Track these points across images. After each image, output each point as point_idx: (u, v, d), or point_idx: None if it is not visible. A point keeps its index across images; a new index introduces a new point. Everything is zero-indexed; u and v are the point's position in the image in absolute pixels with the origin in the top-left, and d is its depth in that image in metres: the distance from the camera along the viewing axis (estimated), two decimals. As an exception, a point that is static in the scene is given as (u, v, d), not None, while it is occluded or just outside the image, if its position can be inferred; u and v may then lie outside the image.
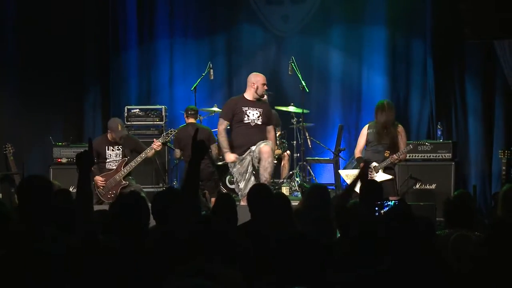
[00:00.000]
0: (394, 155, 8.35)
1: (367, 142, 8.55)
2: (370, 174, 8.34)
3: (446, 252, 4.28)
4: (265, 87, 8.68)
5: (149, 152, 8.68)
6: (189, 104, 9.97)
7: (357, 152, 8.66)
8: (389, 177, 8.39)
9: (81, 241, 3.65)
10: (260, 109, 8.62)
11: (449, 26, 10.63)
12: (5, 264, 2.82)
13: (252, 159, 8.50)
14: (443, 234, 4.73)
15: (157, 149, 8.76)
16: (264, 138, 8.57)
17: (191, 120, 9.35)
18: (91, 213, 3.95)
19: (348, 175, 8.62)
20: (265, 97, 9.52)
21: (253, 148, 8.48)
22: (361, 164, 8.39)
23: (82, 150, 3.93)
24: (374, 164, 8.38)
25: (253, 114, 8.59)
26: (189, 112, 9.38)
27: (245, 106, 8.59)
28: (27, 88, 11.01)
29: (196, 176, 4.03)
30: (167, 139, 9.03)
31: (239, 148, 8.59)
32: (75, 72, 11.34)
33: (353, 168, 8.80)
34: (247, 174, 8.48)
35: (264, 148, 8.40)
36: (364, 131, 8.62)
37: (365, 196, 5.66)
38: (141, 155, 8.66)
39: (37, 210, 3.82)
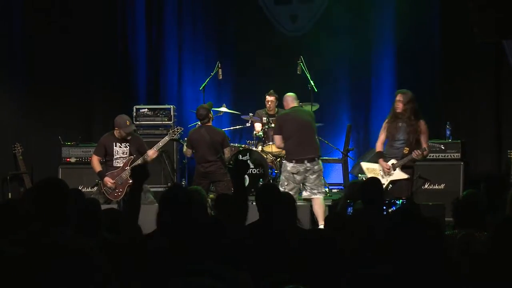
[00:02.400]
0: (414, 153, 8.03)
1: (386, 137, 8.31)
2: (388, 171, 8.15)
3: (453, 251, 4.28)
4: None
5: (147, 157, 8.67)
6: (198, 103, 9.98)
7: (378, 146, 8.37)
8: (405, 176, 8.15)
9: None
10: None
11: (457, 25, 10.60)
12: (24, 263, 2.83)
13: (304, 183, 8.53)
14: (452, 234, 4.73)
15: (153, 157, 8.71)
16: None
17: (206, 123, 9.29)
18: (137, 221, 4.20)
19: (369, 168, 8.43)
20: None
21: (311, 176, 8.49)
22: (380, 160, 8.30)
23: (138, 164, 4.12)
24: (393, 161, 8.16)
25: None
26: None
27: None
28: (36, 88, 11.04)
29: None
30: (173, 136, 9.02)
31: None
32: (83, 71, 11.36)
33: (369, 161, 8.64)
34: (295, 188, 8.46)
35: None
36: (384, 124, 8.37)
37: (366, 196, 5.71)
38: (143, 156, 8.66)
39: (54, 211, 3.82)
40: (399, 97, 8.21)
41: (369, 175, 8.27)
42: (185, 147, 9.30)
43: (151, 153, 8.64)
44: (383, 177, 8.08)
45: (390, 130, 8.22)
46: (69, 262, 2.69)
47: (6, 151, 10.39)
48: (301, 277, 3.25)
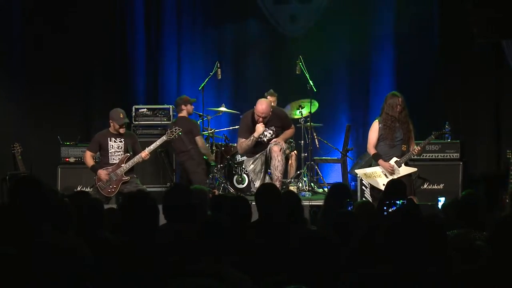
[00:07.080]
0: (416, 147, 8.11)
1: (380, 137, 8.20)
2: (391, 169, 8.06)
3: (452, 251, 4.28)
4: (260, 119, 8.65)
5: (140, 159, 8.70)
6: (197, 103, 10.01)
7: (371, 148, 8.23)
8: (414, 169, 8.18)
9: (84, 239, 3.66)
10: (272, 128, 8.78)
11: (456, 25, 10.61)
12: (17, 262, 2.83)
13: (265, 158, 8.76)
14: (451, 234, 4.73)
15: (145, 159, 8.75)
16: None
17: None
18: None
19: (367, 173, 8.30)
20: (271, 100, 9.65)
21: (267, 148, 8.77)
22: (379, 161, 8.11)
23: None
24: (395, 159, 8.10)
25: (265, 135, 8.79)
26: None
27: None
28: (35, 88, 11.04)
29: None
30: (171, 136, 8.99)
31: (254, 153, 8.89)
32: (83, 72, 11.36)
33: (368, 166, 8.52)
34: (261, 173, 8.75)
35: (274, 148, 8.63)
36: (375, 125, 8.24)
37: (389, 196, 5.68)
38: (137, 156, 8.69)
39: (31, 209, 3.80)
40: (399, 101, 8.16)
41: (369, 179, 8.26)
42: None
43: (144, 155, 8.67)
44: (387, 177, 8.06)
45: (387, 131, 8.17)
46: (59, 261, 2.68)
47: (5, 151, 10.37)
48: (301, 277, 3.24)
